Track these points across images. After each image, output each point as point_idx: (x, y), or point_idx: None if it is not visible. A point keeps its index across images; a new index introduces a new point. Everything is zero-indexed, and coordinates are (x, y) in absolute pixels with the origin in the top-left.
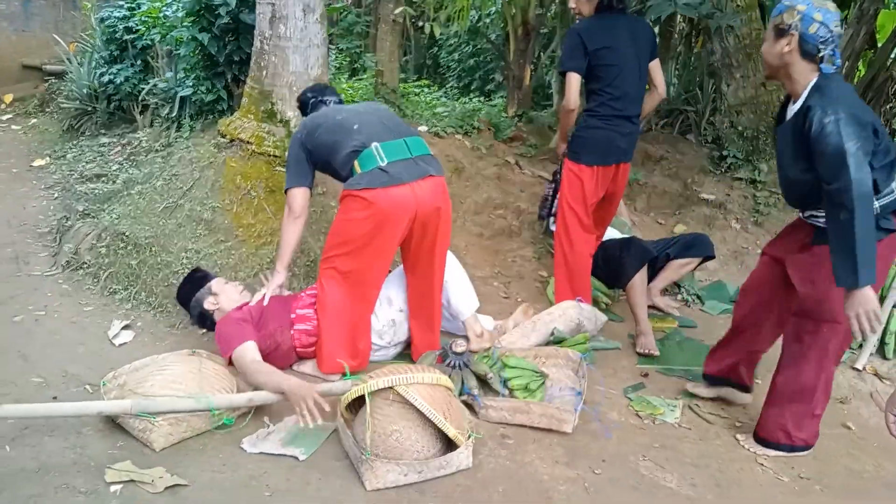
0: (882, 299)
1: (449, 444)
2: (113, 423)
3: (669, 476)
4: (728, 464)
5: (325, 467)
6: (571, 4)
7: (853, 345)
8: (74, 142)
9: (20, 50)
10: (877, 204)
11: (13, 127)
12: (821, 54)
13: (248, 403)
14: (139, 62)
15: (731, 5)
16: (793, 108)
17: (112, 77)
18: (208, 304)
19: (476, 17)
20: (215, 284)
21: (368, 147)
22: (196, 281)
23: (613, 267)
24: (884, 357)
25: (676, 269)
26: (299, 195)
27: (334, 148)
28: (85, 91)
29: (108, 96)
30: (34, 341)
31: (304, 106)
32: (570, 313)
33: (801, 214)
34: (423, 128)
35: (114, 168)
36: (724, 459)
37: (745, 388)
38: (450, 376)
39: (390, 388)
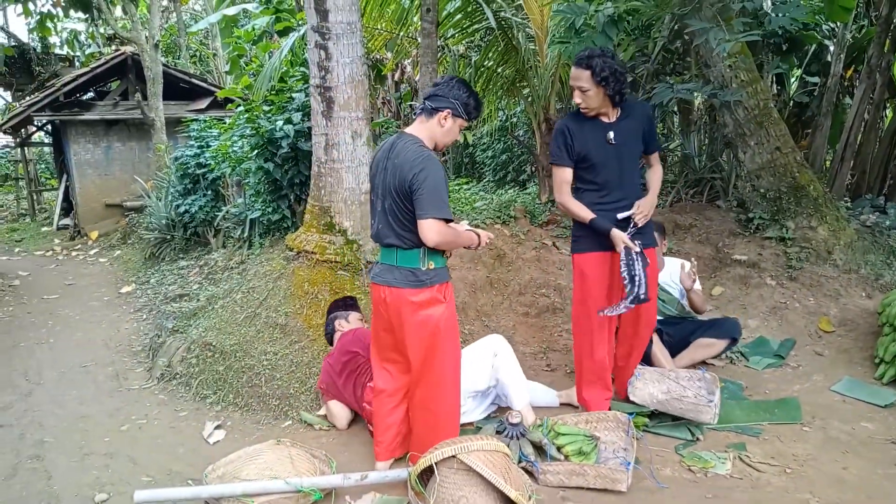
0: None
1: None
2: None
3: None
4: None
5: None
6: None
7: None
8: (156, 268)
9: (104, 191)
10: None
11: (100, 260)
12: None
13: (343, 483)
14: (210, 192)
15: (735, 81)
16: None
17: (188, 207)
18: (339, 324)
19: (504, 117)
20: (351, 317)
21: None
22: (348, 304)
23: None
24: None
25: (700, 348)
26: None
27: None
28: (163, 222)
29: (185, 224)
30: (139, 446)
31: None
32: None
33: None
34: (464, 222)
35: (194, 287)
36: (760, 500)
37: None
38: (507, 445)
39: (453, 456)
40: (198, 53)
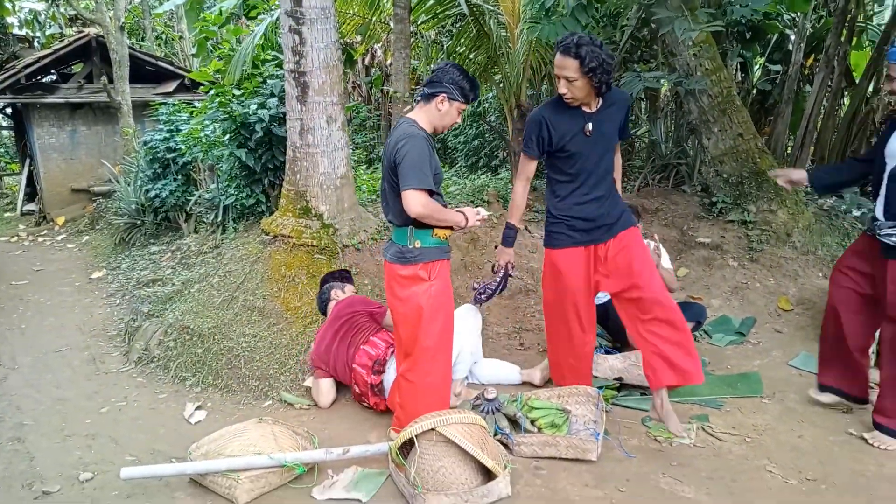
0: None
1: (488, 476)
2: (199, 486)
3: (687, 489)
4: (739, 474)
5: None
6: None
7: None
8: (126, 253)
9: (69, 176)
10: None
11: (68, 245)
12: None
13: (325, 458)
14: (180, 177)
15: (700, 69)
16: None
17: (158, 192)
18: (334, 293)
19: (477, 103)
20: (347, 288)
21: None
22: (343, 276)
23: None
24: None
25: None
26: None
27: None
28: (133, 207)
29: (155, 209)
30: (120, 427)
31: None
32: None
33: (878, 232)
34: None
35: (167, 272)
36: (736, 471)
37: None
38: (484, 419)
39: (433, 429)
40: (163, 36)
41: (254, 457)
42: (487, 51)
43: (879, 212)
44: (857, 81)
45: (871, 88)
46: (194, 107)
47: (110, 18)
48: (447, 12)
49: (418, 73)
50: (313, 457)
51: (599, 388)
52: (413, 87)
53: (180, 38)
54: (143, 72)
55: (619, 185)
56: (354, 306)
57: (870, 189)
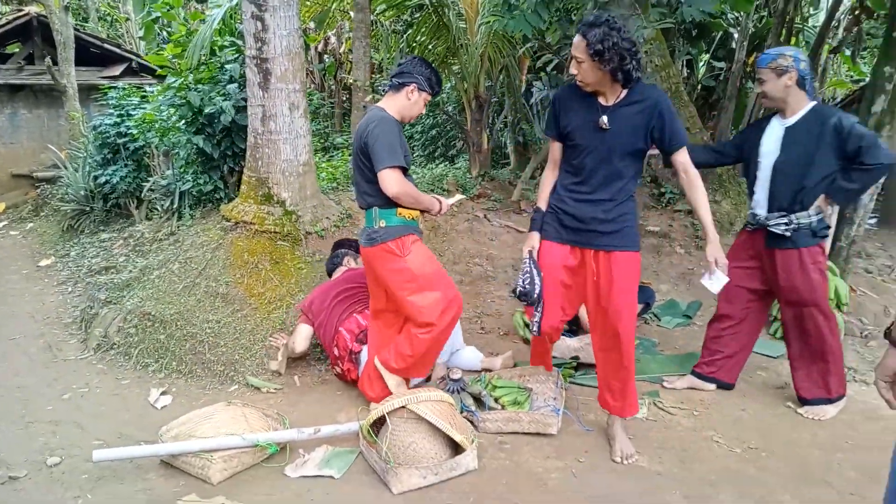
0: None
1: (456, 450)
2: (171, 467)
3: (640, 458)
4: (689, 444)
5: (357, 482)
6: None
7: None
8: (75, 240)
9: (9, 161)
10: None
11: (11, 232)
12: (807, 84)
13: (296, 437)
14: (131, 162)
15: (650, 65)
16: (786, 122)
17: (108, 178)
18: (347, 261)
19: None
20: (359, 259)
21: None
22: (357, 246)
23: None
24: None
25: None
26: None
27: None
28: (82, 193)
29: (105, 195)
30: (85, 413)
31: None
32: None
33: (767, 224)
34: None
35: (121, 259)
36: (686, 441)
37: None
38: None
39: (403, 406)
40: (108, 17)
41: (226, 437)
42: (446, 41)
43: (762, 206)
44: None
45: None
46: (145, 91)
47: None
48: (407, 2)
49: (376, 62)
50: (285, 436)
51: (558, 366)
52: (372, 76)
53: (127, 20)
54: (89, 54)
55: (704, 219)
56: (364, 279)
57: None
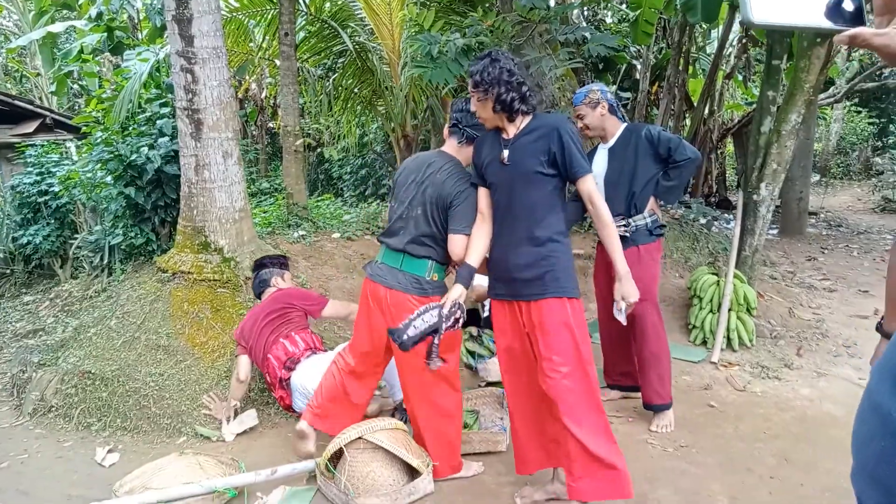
0: (719, 306)
1: (413, 475)
2: None
3: None
4: (625, 447)
5: None
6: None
7: (709, 344)
8: None
9: None
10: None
11: None
12: (616, 111)
13: (264, 478)
14: (54, 221)
15: (563, 99)
16: (608, 145)
17: (30, 238)
18: (274, 280)
19: (361, 134)
20: (286, 276)
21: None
22: (282, 263)
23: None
24: (732, 350)
25: None
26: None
27: None
28: (0, 256)
29: (27, 257)
30: (27, 479)
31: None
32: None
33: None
34: (336, 235)
35: (49, 321)
36: (623, 445)
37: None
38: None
39: (360, 437)
40: (17, 73)
41: (184, 486)
42: (371, 84)
43: None
44: (695, 105)
45: (706, 111)
46: (65, 147)
47: None
48: (332, 48)
49: (300, 106)
50: (243, 480)
51: (502, 389)
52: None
53: (37, 75)
54: None
55: (608, 243)
56: (292, 299)
57: (691, 199)
